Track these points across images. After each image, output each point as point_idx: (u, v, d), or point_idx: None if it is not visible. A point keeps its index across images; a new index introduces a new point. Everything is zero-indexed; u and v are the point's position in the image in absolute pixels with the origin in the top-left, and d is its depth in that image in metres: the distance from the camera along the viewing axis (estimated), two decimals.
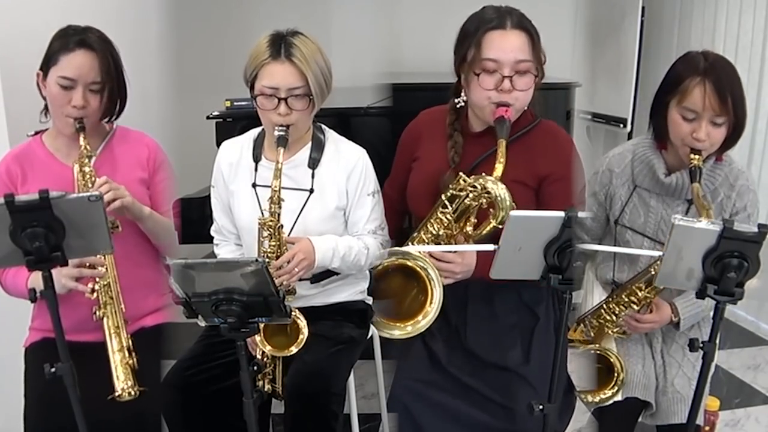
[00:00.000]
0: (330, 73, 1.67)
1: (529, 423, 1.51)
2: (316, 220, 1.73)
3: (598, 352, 1.79)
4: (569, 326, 1.86)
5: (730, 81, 1.58)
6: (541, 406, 1.37)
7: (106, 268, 1.63)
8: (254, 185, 1.74)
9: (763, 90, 3.23)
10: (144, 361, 1.62)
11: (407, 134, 1.85)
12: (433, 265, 1.60)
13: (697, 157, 1.60)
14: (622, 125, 3.70)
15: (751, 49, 3.27)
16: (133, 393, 1.56)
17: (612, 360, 1.75)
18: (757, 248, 1.26)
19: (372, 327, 1.88)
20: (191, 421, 1.68)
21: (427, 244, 1.67)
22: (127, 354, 1.60)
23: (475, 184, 1.58)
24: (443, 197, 1.64)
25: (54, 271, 1.31)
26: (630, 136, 3.65)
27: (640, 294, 1.71)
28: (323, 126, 1.80)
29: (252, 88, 1.65)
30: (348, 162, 1.74)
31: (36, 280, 1.57)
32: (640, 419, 1.81)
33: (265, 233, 1.64)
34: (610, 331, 1.80)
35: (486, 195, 1.57)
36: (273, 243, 1.64)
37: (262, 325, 1.58)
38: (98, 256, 1.61)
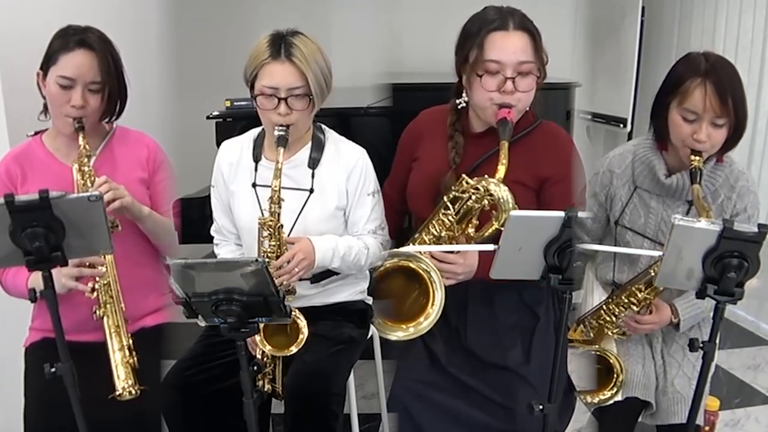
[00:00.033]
0: (330, 73, 1.67)
1: (529, 423, 1.51)
2: (316, 220, 1.73)
3: (597, 353, 1.79)
4: (569, 326, 1.86)
5: (731, 82, 1.58)
6: (541, 406, 1.37)
7: (106, 268, 1.63)
8: (254, 185, 1.74)
9: (763, 90, 3.23)
10: (144, 361, 1.62)
11: (407, 134, 1.85)
12: (436, 269, 1.60)
13: (697, 158, 1.60)
14: (622, 125, 3.70)
15: (751, 49, 3.27)
16: (133, 392, 1.56)
17: (612, 361, 1.75)
18: (757, 248, 1.26)
19: (372, 327, 1.88)
20: (191, 421, 1.68)
21: (429, 245, 1.67)
22: (127, 353, 1.60)
23: (478, 186, 1.58)
24: (445, 199, 1.63)
25: (54, 271, 1.31)
26: (630, 136, 3.66)
27: (639, 295, 1.71)
28: (323, 126, 1.80)
29: (252, 87, 1.65)
30: (348, 162, 1.74)
31: (36, 280, 1.58)
32: (640, 419, 1.81)
33: (265, 233, 1.64)
34: (609, 332, 1.80)
35: (488, 197, 1.57)
36: (273, 243, 1.64)
37: (262, 325, 1.58)
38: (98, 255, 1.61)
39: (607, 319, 1.79)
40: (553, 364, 1.40)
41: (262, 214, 1.68)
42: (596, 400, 1.75)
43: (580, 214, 1.30)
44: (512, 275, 1.41)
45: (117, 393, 1.55)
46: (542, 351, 1.66)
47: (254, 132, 1.81)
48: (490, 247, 1.42)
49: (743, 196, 1.71)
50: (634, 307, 1.73)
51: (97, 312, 1.62)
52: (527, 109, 1.66)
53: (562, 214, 1.29)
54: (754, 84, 3.20)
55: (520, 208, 1.52)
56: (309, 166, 1.73)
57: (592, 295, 1.89)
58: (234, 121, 2.67)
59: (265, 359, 1.68)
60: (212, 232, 1.90)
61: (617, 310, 1.76)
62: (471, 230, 1.63)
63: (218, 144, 1.89)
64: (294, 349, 1.61)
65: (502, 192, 1.55)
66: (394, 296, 1.72)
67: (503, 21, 1.58)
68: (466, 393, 1.64)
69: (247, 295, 1.25)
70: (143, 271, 1.80)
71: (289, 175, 1.71)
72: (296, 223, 1.71)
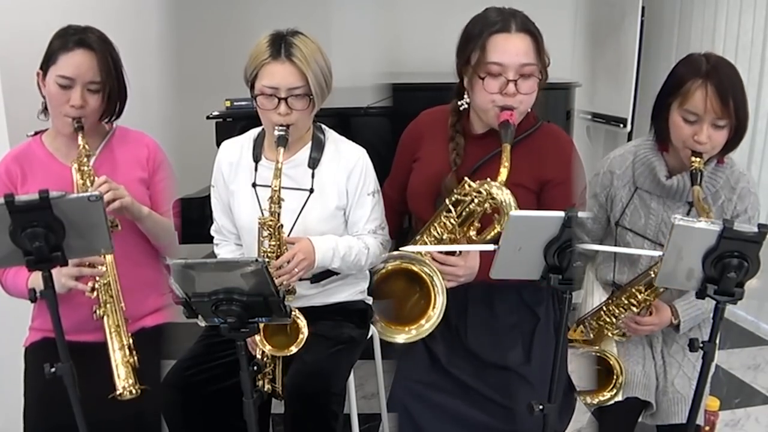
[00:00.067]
0: (330, 72, 1.67)
1: (529, 423, 1.50)
2: (316, 219, 1.72)
3: (597, 354, 1.79)
4: (569, 326, 1.86)
5: (732, 83, 1.58)
6: (541, 406, 1.37)
7: (106, 267, 1.63)
8: (254, 185, 1.74)
9: (763, 90, 3.23)
10: (144, 361, 1.62)
11: (408, 134, 1.85)
12: (438, 273, 1.60)
13: (698, 159, 1.60)
14: (622, 125, 3.70)
15: (751, 49, 3.27)
16: (134, 391, 1.56)
17: (612, 362, 1.75)
18: (757, 248, 1.26)
19: (372, 327, 1.88)
20: (191, 421, 1.68)
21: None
22: (127, 352, 1.60)
23: (481, 189, 1.57)
24: (447, 202, 1.63)
25: (54, 271, 1.31)
26: (630, 136, 3.66)
27: (639, 296, 1.71)
28: (323, 126, 1.80)
29: (252, 87, 1.65)
30: (348, 162, 1.74)
31: (36, 280, 1.57)
32: (640, 419, 1.81)
33: (265, 233, 1.64)
34: (609, 333, 1.80)
35: (491, 200, 1.56)
36: (273, 243, 1.64)
37: (262, 325, 1.58)
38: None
39: (607, 320, 1.79)
40: (553, 364, 1.40)
41: (262, 213, 1.68)
42: (596, 401, 1.75)
43: (580, 214, 1.30)
44: (512, 275, 1.40)
45: (117, 392, 1.55)
46: (542, 351, 1.66)
47: (254, 132, 1.81)
48: (491, 247, 1.42)
49: (744, 197, 1.71)
50: (634, 309, 1.73)
51: (98, 311, 1.62)
52: (528, 110, 1.66)
53: (562, 214, 1.29)
54: (754, 84, 3.20)
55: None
56: (309, 166, 1.73)
57: (592, 296, 1.89)
58: (234, 121, 2.67)
59: (265, 359, 1.68)
60: (212, 232, 1.90)
61: (617, 311, 1.76)
62: (473, 233, 1.63)
63: (218, 144, 1.89)
64: (294, 349, 1.61)
65: (505, 195, 1.55)
66: (396, 298, 1.72)
67: (505, 23, 1.57)
68: (466, 393, 1.64)
69: (247, 295, 1.25)
70: (143, 271, 1.80)
71: (289, 174, 1.71)
72: (296, 223, 1.71)
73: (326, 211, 1.73)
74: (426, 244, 1.68)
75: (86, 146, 1.68)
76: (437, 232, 1.66)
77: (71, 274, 1.59)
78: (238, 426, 1.43)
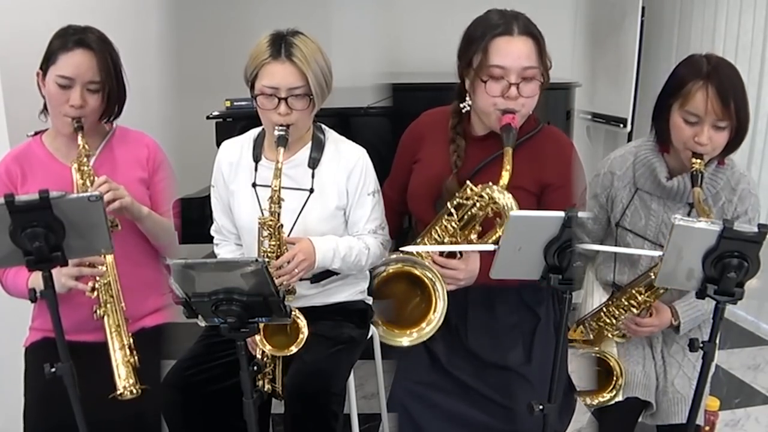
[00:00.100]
0: (330, 72, 1.67)
1: (529, 423, 1.50)
2: (316, 219, 1.72)
3: (597, 355, 1.79)
4: (569, 326, 1.86)
5: (732, 85, 1.57)
6: (541, 406, 1.37)
7: (106, 267, 1.63)
8: (254, 185, 1.74)
9: (763, 90, 3.23)
10: (144, 361, 1.62)
11: (408, 135, 1.84)
12: (440, 277, 1.60)
13: (698, 161, 1.59)
14: (622, 125, 3.70)
15: (751, 49, 3.27)
16: (134, 391, 1.56)
17: (612, 364, 1.75)
18: (757, 248, 1.26)
19: (372, 327, 1.88)
20: (191, 421, 1.68)
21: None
22: (128, 352, 1.60)
23: (482, 193, 1.57)
24: (449, 205, 1.63)
25: (54, 271, 1.31)
26: (630, 136, 3.66)
27: (639, 298, 1.71)
28: (323, 126, 1.80)
29: (252, 87, 1.65)
30: (348, 162, 1.74)
31: (36, 280, 1.57)
32: (640, 419, 1.81)
33: (265, 233, 1.64)
34: (609, 334, 1.80)
35: (493, 204, 1.56)
36: (273, 243, 1.64)
37: (262, 325, 1.58)
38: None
39: (607, 321, 1.79)
40: (553, 364, 1.40)
41: (262, 213, 1.68)
42: (596, 401, 1.75)
43: (580, 215, 1.30)
44: (512, 275, 1.41)
45: (118, 392, 1.55)
46: (543, 351, 1.66)
47: (254, 132, 1.81)
48: (491, 247, 1.42)
49: (744, 198, 1.70)
50: (634, 310, 1.73)
51: (98, 311, 1.62)
52: (530, 113, 1.65)
53: (562, 214, 1.29)
54: (754, 84, 3.20)
55: None
56: (309, 166, 1.73)
57: (592, 297, 1.89)
58: (234, 121, 2.67)
59: (265, 359, 1.68)
60: (212, 232, 1.90)
61: (617, 312, 1.76)
62: (474, 237, 1.63)
63: (218, 144, 1.89)
64: (294, 349, 1.61)
65: (507, 199, 1.55)
66: (397, 300, 1.72)
67: (507, 26, 1.56)
68: (467, 393, 1.64)
69: (247, 295, 1.25)
70: (143, 271, 1.80)
71: (289, 174, 1.71)
72: (296, 223, 1.71)
73: (326, 211, 1.73)
74: None
75: (86, 146, 1.68)
76: (438, 236, 1.66)
77: (71, 274, 1.59)
78: (238, 426, 1.43)
